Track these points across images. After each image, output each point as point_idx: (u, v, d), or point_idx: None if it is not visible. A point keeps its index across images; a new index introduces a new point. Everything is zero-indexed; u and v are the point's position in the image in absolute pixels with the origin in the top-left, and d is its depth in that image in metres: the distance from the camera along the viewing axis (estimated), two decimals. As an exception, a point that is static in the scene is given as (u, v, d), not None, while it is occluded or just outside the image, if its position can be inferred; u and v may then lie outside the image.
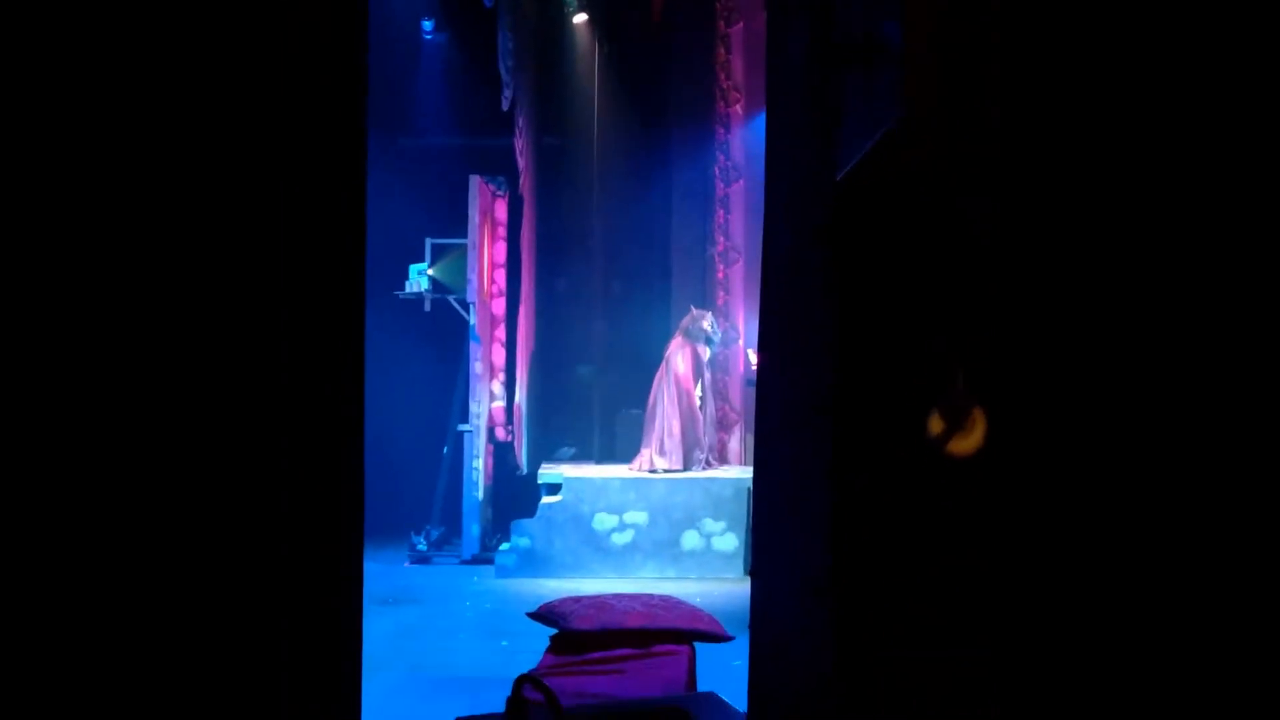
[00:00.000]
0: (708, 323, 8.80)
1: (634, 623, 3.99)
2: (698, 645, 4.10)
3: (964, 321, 1.91)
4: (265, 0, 2.36)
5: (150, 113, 2.22)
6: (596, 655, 3.83)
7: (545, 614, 4.21)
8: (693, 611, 4.22)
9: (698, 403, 8.72)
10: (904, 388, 2.06)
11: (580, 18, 10.09)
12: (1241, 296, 1.65)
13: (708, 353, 8.86)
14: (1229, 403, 1.66)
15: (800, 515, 2.32)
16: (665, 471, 8.46)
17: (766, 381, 2.62)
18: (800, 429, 2.34)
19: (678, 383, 8.61)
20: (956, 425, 1.90)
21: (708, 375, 8.97)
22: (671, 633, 4.00)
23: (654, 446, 8.59)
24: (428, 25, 9.83)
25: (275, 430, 2.39)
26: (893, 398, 2.08)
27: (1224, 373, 1.66)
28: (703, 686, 3.81)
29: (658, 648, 3.90)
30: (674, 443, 8.52)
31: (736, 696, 3.25)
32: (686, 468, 8.54)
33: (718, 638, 4.10)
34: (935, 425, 1.96)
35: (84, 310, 2.16)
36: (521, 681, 2.37)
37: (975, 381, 1.87)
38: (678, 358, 8.68)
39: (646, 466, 8.56)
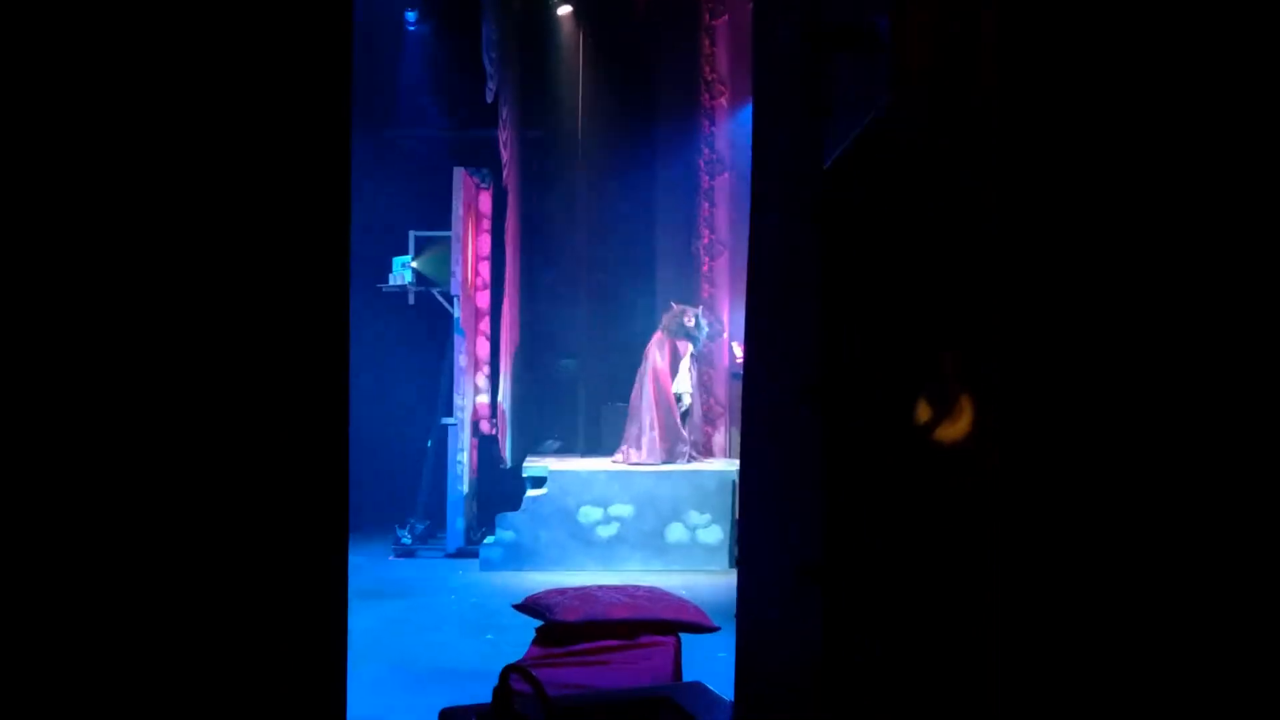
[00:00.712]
0: (689, 318, 8.82)
1: (619, 614, 4.00)
2: (683, 636, 4.10)
3: (954, 307, 1.91)
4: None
5: (131, 105, 2.19)
6: (582, 646, 3.83)
7: (531, 606, 4.21)
8: (678, 603, 4.23)
9: (675, 398, 8.74)
10: (894, 374, 2.06)
11: (565, 9, 10.05)
12: (1240, 284, 1.65)
13: (690, 348, 8.87)
14: (1234, 395, 1.66)
15: (789, 503, 2.32)
16: (646, 465, 8.48)
17: (754, 369, 2.61)
18: (789, 417, 2.34)
19: (655, 378, 8.64)
20: (944, 412, 1.90)
21: (695, 370, 8.97)
22: (657, 624, 4.00)
23: (634, 441, 8.62)
24: (411, 16, 9.77)
25: (257, 423, 2.37)
26: (882, 384, 2.08)
27: (1228, 365, 1.66)
28: (688, 677, 3.82)
29: (644, 639, 3.90)
30: (654, 437, 8.54)
31: (721, 687, 3.26)
32: (670, 461, 8.56)
33: (703, 628, 4.11)
34: (923, 412, 1.96)
35: (63, 301, 2.14)
36: (508, 672, 2.37)
37: (965, 367, 1.87)
38: (655, 353, 8.71)
39: (626, 460, 8.59)
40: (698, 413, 9.04)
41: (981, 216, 1.81)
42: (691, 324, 8.79)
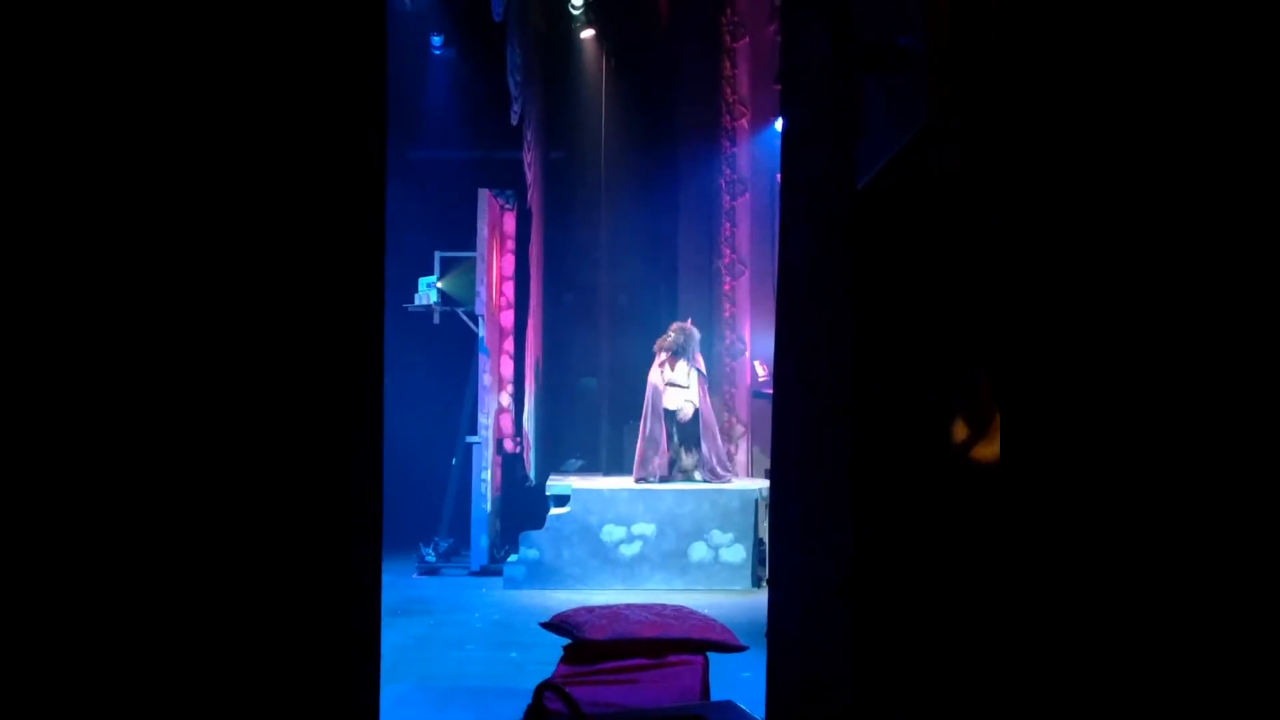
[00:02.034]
0: (667, 336, 8.68)
1: (647, 633, 3.99)
2: (710, 656, 4.09)
3: (986, 326, 1.92)
4: (287, 18, 2.39)
5: (175, 132, 2.25)
6: (610, 665, 3.83)
7: (559, 624, 4.21)
8: (705, 622, 4.22)
9: (669, 413, 8.57)
10: (924, 391, 2.07)
11: (587, 32, 10.15)
12: (1265, 302, 1.65)
13: (679, 363, 8.68)
14: (1256, 411, 1.66)
15: (820, 522, 2.32)
16: (639, 482, 8.45)
17: (783, 388, 2.62)
18: (819, 434, 2.35)
19: (648, 394, 8.63)
20: (979, 432, 1.91)
21: (702, 385, 8.81)
22: (685, 643, 3.99)
23: None
24: (437, 40, 9.89)
25: (294, 441, 2.41)
26: (913, 401, 2.09)
27: (1249, 381, 1.67)
28: (714, 697, 3.81)
29: (671, 658, 3.89)
30: (636, 452, 8.53)
31: (747, 706, 3.25)
32: (642, 479, 8.42)
33: (731, 648, 4.10)
34: (959, 432, 1.97)
35: (115, 325, 2.18)
36: (542, 690, 2.38)
37: (998, 386, 1.88)
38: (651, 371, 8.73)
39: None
40: (708, 430, 8.65)
41: (1012, 237, 1.83)
42: (668, 340, 8.63)
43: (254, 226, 2.33)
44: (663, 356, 8.63)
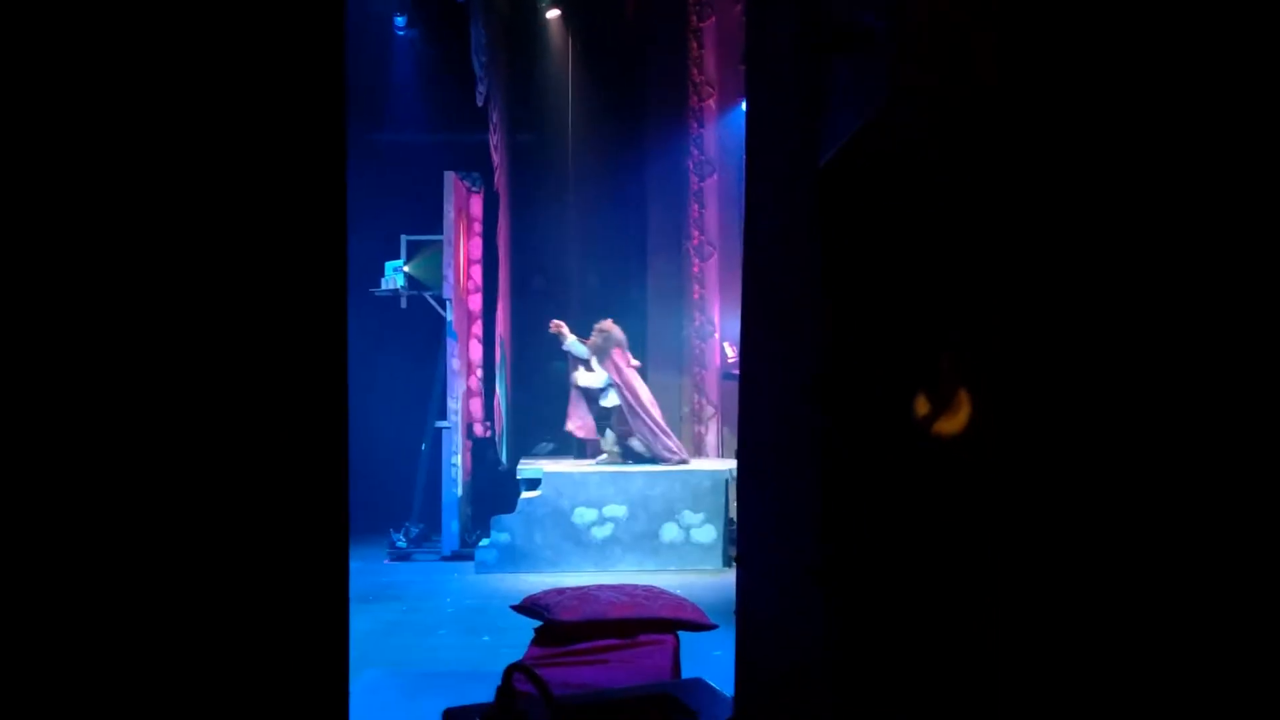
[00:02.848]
0: (595, 333, 8.80)
1: (618, 613, 4.02)
2: (681, 635, 4.12)
3: (954, 304, 1.93)
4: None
5: (131, 110, 2.21)
6: (581, 646, 3.85)
7: (529, 606, 4.22)
8: (676, 601, 4.25)
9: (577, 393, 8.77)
10: (893, 370, 2.08)
11: (553, 13, 10.08)
12: (1243, 289, 1.66)
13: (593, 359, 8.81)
14: (1234, 393, 1.67)
15: (789, 501, 2.34)
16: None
17: (750, 367, 2.63)
18: (788, 415, 2.36)
19: None
20: (942, 406, 1.92)
21: (613, 370, 8.74)
22: (656, 622, 4.02)
23: None
24: (400, 20, 9.77)
25: (256, 428, 2.38)
26: (882, 380, 2.10)
27: (1228, 363, 1.67)
28: (686, 675, 3.84)
29: (642, 637, 3.92)
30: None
31: (718, 684, 3.28)
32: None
33: (701, 626, 4.14)
34: (921, 407, 1.98)
35: (60, 301, 2.14)
36: (512, 671, 2.38)
37: (962, 363, 1.89)
38: None
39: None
40: (635, 417, 8.65)
41: (980, 215, 1.84)
42: (590, 342, 8.78)
43: (208, 211, 2.29)
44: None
